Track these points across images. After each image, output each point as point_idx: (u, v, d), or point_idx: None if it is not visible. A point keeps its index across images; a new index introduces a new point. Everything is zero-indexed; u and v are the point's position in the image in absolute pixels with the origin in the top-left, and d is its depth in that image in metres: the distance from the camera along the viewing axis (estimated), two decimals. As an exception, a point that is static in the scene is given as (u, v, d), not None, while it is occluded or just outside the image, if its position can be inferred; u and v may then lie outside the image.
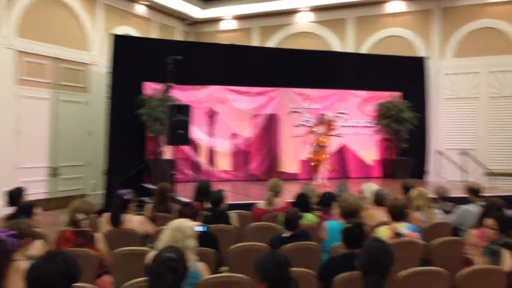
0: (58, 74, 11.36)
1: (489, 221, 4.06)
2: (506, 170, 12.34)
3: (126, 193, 5.01)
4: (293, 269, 2.81)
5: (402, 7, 13.71)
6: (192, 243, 3.38)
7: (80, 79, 11.98)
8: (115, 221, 4.80)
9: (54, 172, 11.22)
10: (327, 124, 10.72)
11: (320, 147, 10.60)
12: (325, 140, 10.64)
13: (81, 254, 3.88)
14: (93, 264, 3.93)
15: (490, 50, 12.69)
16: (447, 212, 5.88)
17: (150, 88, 10.98)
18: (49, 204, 10.88)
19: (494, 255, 3.72)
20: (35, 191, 10.32)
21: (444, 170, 12.93)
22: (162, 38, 13.49)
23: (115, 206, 4.83)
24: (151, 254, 3.38)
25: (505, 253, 3.70)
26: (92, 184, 12.13)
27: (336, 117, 12.57)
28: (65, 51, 11.49)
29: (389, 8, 13.84)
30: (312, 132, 10.77)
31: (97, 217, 5.69)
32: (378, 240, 2.86)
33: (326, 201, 5.43)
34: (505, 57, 12.54)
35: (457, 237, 4.98)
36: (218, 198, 5.37)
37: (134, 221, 4.93)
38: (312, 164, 10.83)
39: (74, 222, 4.14)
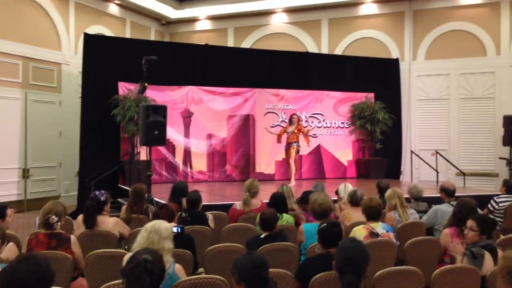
0: (29, 73, 11.12)
1: (470, 222, 4.05)
2: (477, 170, 12.63)
3: (101, 194, 4.94)
4: (271, 269, 2.81)
5: (375, 9, 13.90)
6: (168, 244, 3.35)
7: (51, 79, 11.75)
8: (90, 223, 4.72)
9: (25, 174, 10.98)
10: (297, 123, 10.65)
11: (289, 145, 10.55)
12: (294, 139, 10.50)
13: (55, 256, 3.81)
14: (68, 267, 3.86)
15: (460, 53, 12.98)
16: (420, 212, 5.97)
17: (124, 88, 10.86)
18: (21, 206, 10.65)
19: (475, 258, 3.71)
20: (6, 193, 10.13)
21: (418, 170, 13.16)
22: (136, 38, 13.34)
23: (89, 208, 4.74)
24: (127, 256, 3.34)
25: (488, 256, 3.72)
26: (65, 185, 11.92)
27: (311, 117, 12.69)
28: (36, 50, 11.25)
29: (362, 10, 14.02)
30: (284, 131, 10.74)
31: (71, 219, 5.60)
32: (354, 240, 2.89)
33: (307, 198, 5.43)
34: (475, 59, 12.84)
35: (430, 237, 5.06)
36: (195, 199, 5.34)
37: (109, 223, 4.86)
38: (287, 163, 10.82)
39: (47, 224, 4.05)
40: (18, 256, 2.43)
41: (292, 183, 10.24)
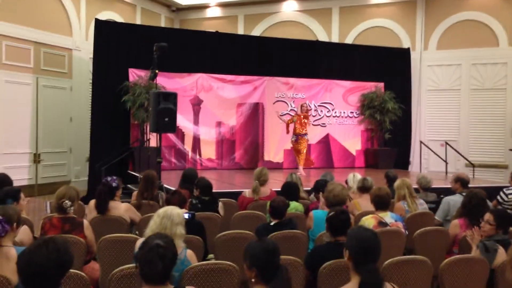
0: (40, 59, 11.17)
1: (487, 216, 4.02)
2: (486, 161, 12.58)
3: (113, 180, 4.99)
4: (281, 256, 2.85)
5: (387, -2, 13.79)
6: (180, 230, 3.39)
7: (62, 65, 11.80)
8: (102, 208, 4.78)
9: (36, 159, 11.09)
10: (305, 112, 10.65)
11: (297, 136, 10.57)
12: (302, 129, 10.53)
13: (68, 240, 3.88)
14: (81, 251, 3.92)
15: (472, 43, 12.86)
16: (429, 202, 5.98)
17: (135, 74, 10.90)
18: (32, 190, 10.78)
19: (488, 251, 3.69)
20: (18, 178, 10.17)
21: (427, 160, 13.12)
22: (146, 25, 13.33)
23: (101, 193, 4.80)
24: (139, 242, 3.39)
25: (501, 251, 3.69)
26: (75, 170, 12.03)
27: (320, 106, 12.69)
28: (47, 35, 11.29)
29: (374, -2, 13.91)
30: (292, 121, 10.74)
31: (82, 204, 5.68)
32: (368, 229, 2.90)
33: (320, 187, 5.46)
34: (486, 49, 12.72)
35: (439, 227, 5.08)
36: (207, 185, 5.38)
37: (121, 208, 4.92)
38: (295, 153, 10.84)
39: (60, 209, 4.11)
40: (38, 240, 2.47)
41: (301, 171, 10.34)
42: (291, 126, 10.73)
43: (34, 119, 11.03)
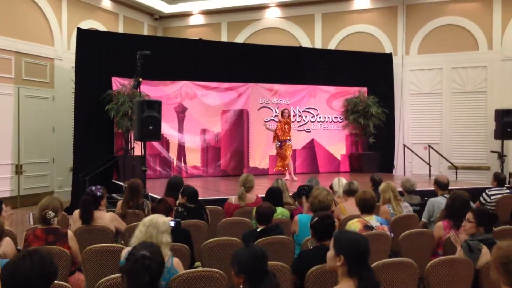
0: (21, 69, 11.05)
1: (468, 214, 4.09)
2: (469, 163, 12.75)
3: (98, 190, 4.95)
4: (269, 262, 2.85)
5: (368, 4, 13.94)
6: (166, 238, 3.37)
7: (44, 74, 11.70)
8: (86, 218, 4.73)
9: (18, 170, 10.94)
10: (287, 118, 10.62)
11: (281, 142, 10.56)
12: (285, 135, 10.51)
13: (53, 252, 3.83)
14: (65, 262, 3.87)
15: (452, 47, 13.06)
16: (414, 205, 6.03)
17: (118, 83, 10.85)
18: (14, 202, 10.62)
19: (471, 251, 3.73)
20: (0, 189, 10.10)
21: (411, 164, 13.25)
22: (129, 33, 13.29)
23: (86, 203, 4.75)
24: (125, 251, 3.36)
25: (485, 250, 3.73)
26: (58, 181, 11.89)
27: (305, 112, 12.75)
28: (29, 45, 11.19)
29: (355, 4, 14.05)
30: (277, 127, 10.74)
31: (66, 214, 5.61)
32: (356, 233, 2.91)
33: (303, 192, 5.47)
34: (466, 53, 12.93)
35: (424, 229, 5.13)
36: (193, 192, 5.36)
37: (105, 218, 4.87)
38: (278, 161, 10.80)
39: (44, 220, 4.06)
40: (22, 252, 2.43)
41: (295, 178, 10.36)
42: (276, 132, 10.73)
43: (16, 130, 10.90)
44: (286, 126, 10.53)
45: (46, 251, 2.41)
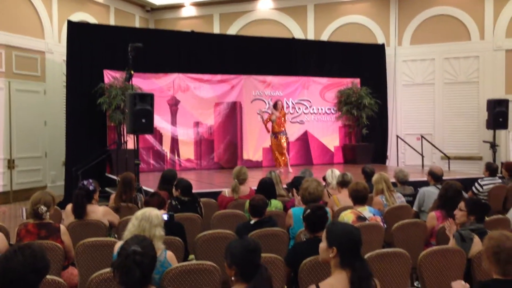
0: (12, 62, 10.95)
1: (460, 204, 4.13)
2: (461, 153, 12.81)
3: (90, 184, 4.93)
4: (262, 254, 2.85)
5: (361, -6, 13.91)
6: (159, 231, 3.36)
7: (35, 68, 11.59)
8: (79, 212, 4.71)
9: (10, 165, 10.86)
10: (281, 110, 10.57)
11: (275, 134, 10.51)
12: (280, 127, 10.46)
13: (45, 246, 3.81)
14: (58, 257, 3.86)
15: (444, 37, 13.07)
16: (407, 196, 6.06)
17: (110, 76, 10.78)
18: (7, 197, 10.57)
19: (463, 241, 3.75)
20: (-9, 184, 10.04)
21: (404, 155, 13.30)
22: (120, 26, 13.18)
23: (78, 197, 4.73)
24: (117, 245, 3.35)
25: (476, 240, 3.75)
26: (51, 175, 11.83)
27: (298, 103, 12.73)
28: (19, 38, 11.07)
29: (348, -5, 14.02)
30: (269, 120, 10.66)
31: (59, 209, 5.59)
32: (347, 224, 2.91)
33: (297, 184, 5.48)
34: (459, 43, 12.95)
35: (417, 220, 5.15)
36: (187, 185, 5.35)
37: (99, 211, 4.86)
38: (276, 154, 10.74)
39: (36, 215, 4.04)
40: (13, 246, 2.42)
41: (290, 169, 10.33)
42: (270, 125, 10.68)
43: (8, 124, 10.81)
44: (283, 118, 10.49)
45: (37, 246, 2.40)
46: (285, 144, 10.51)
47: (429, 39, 13.24)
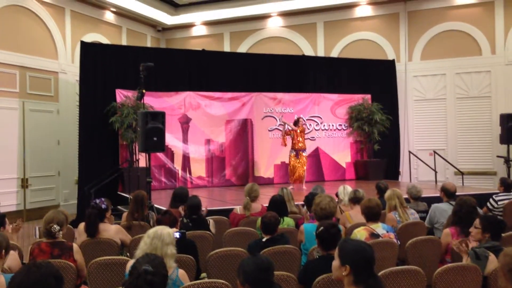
0: (26, 83, 11.12)
1: (476, 220, 4.06)
2: (475, 169, 12.67)
3: (102, 202, 4.95)
4: (275, 272, 2.83)
5: (369, 11, 13.96)
6: (171, 250, 3.36)
7: (48, 88, 11.75)
8: (92, 231, 4.73)
9: (24, 184, 10.96)
10: (301, 127, 10.74)
11: (297, 151, 10.61)
12: (300, 144, 10.62)
13: (57, 265, 3.82)
14: (71, 275, 3.87)
15: (455, 52, 13.05)
16: (420, 212, 6.00)
17: (122, 95, 10.89)
18: (20, 216, 10.61)
19: (478, 259, 3.69)
20: (6, 203, 10.09)
21: (416, 170, 13.19)
22: (132, 45, 13.36)
23: (91, 216, 4.75)
24: (130, 263, 3.35)
25: (492, 258, 3.69)
26: (64, 194, 11.91)
27: (309, 120, 12.74)
28: (33, 59, 11.25)
29: (357, 12, 14.08)
30: (289, 135, 10.78)
31: (72, 227, 5.61)
32: (361, 241, 2.87)
33: (306, 203, 5.47)
34: (470, 58, 12.91)
35: (431, 236, 5.08)
36: (195, 204, 5.34)
37: (111, 230, 4.87)
38: (290, 169, 10.79)
39: (49, 233, 4.05)
40: (29, 264, 2.43)
41: (304, 187, 10.45)
42: (289, 141, 10.74)
43: (21, 144, 10.94)
44: (301, 134, 10.60)
45: (52, 264, 2.41)
46: (303, 162, 10.62)
47: (440, 54, 13.22)
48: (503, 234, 4.22)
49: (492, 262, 3.65)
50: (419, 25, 13.48)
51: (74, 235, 5.40)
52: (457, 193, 6.07)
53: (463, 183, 11.56)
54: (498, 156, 11.50)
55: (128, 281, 2.54)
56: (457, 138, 13.08)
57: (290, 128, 10.74)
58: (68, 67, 12.16)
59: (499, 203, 7.01)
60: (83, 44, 10.91)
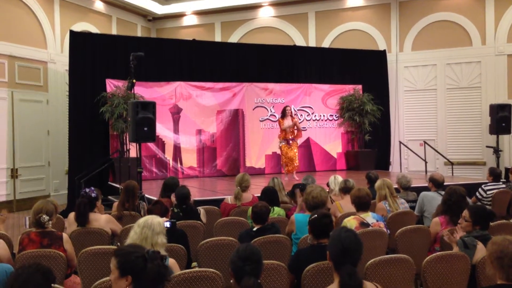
0: (15, 72, 10.99)
1: (464, 212, 4.06)
2: (464, 159, 12.78)
3: (92, 191, 4.93)
4: (265, 261, 2.84)
5: (361, 1, 13.95)
6: (161, 239, 3.37)
7: (38, 78, 11.63)
8: (82, 220, 4.72)
9: (14, 174, 10.88)
10: (291, 116, 10.47)
11: (287, 140, 10.46)
12: (292, 134, 10.44)
13: (47, 255, 3.82)
14: (61, 265, 3.85)
15: (446, 43, 13.08)
16: (410, 201, 6.04)
17: (112, 85, 10.82)
18: (10, 206, 10.58)
19: (467, 247, 3.72)
20: (-5, 194, 10.06)
21: (407, 160, 13.27)
22: (122, 35, 13.25)
23: (81, 205, 4.73)
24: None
25: (480, 246, 3.72)
26: (54, 184, 11.85)
27: (300, 110, 12.73)
28: (22, 49, 11.12)
29: (349, 2, 14.05)
30: (280, 125, 10.59)
31: (62, 217, 5.59)
32: (348, 230, 2.88)
33: (300, 187, 5.46)
34: (460, 49, 12.96)
35: (420, 225, 5.13)
36: (185, 194, 5.33)
37: (101, 219, 4.85)
38: (283, 160, 10.61)
39: (38, 223, 4.04)
40: (28, 263, 2.53)
41: (296, 177, 10.18)
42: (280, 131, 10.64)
43: (11, 134, 10.84)
44: (295, 128, 10.42)
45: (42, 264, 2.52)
46: (294, 152, 10.43)
47: (431, 45, 13.25)
48: (491, 223, 4.26)
49: (480, 251, 3.69)
50: (410, 15, 13.48)
51: (64, 224, 5.38)
52: (446, 183, 6.13)
53: (452, 173, 11.65)
54: (487, 146, 11.60)
55: (144, 268, 2.51)
56: (447, 129, 13.16)
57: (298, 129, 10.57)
58: (57, 57, 12.03)
59: (488, 192, 7.08)
60: (73, 34, 10.79)
